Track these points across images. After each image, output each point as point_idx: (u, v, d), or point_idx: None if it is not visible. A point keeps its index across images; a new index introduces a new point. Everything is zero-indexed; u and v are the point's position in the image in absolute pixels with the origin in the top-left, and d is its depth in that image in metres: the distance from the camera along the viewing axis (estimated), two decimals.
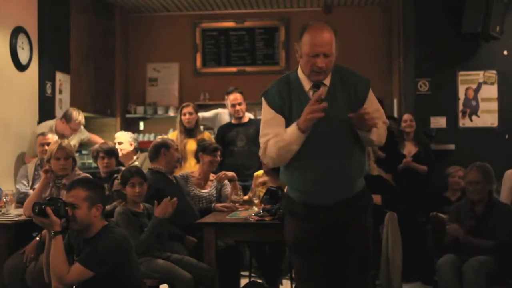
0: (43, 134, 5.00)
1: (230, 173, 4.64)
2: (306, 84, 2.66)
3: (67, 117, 5.38)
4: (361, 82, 2.70)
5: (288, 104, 2.65)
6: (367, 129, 2.54)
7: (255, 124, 5.61)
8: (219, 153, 4.68)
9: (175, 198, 3.72)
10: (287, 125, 2.63)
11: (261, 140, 2.68)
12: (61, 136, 5.10)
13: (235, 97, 5.47)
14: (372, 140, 2.62)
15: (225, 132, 5.54)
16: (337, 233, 2.68)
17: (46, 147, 4.43)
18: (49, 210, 2.75)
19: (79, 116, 5.39)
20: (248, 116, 5.71)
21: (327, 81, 2.66)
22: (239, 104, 5.46)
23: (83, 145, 6.01)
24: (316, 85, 2.62)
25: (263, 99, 2.73)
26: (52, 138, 4.87)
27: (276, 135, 2.61)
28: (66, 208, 2.80)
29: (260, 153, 2.72)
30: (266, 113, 2.71)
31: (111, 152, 4.52)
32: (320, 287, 2.67)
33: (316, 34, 2.55)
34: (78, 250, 2.95)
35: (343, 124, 2.58)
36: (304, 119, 2.50)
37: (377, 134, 2.62)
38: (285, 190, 2.91)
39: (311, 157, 2.59)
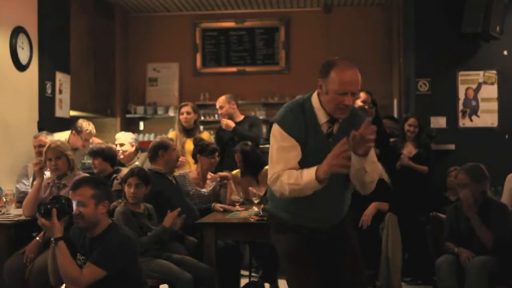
0: (40, 135, 4.99)
1: (224, 174, 4.66)
2: (321, 117, 2.60)
3: (77, 129, 5.17)
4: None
5: (304, 134, 2.58)
6: (363, 153, 2.47)
7: (249, 120, 5.65)
8: (217, 154, 4.69)
9: (183, 215, 3.75)
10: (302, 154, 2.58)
11: (274, 167, 2.57)
12: (74, 149, 4.90)
13: (218, 100, 5.60)
14: (365, 170, 2.53)
15: (222, 132, 5.56)
16: (327, 243, 2.71)
17: (41, 149, 4.39)
18: (54, 212, 2.75)
19: (89, 126, 5.20)
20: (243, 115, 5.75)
21: None
22: (220, 107, 5.55)
23: None
24: (332, 121, 2.59)
25: (278, 127, 2.59)
26: (50, 139, 4.85)
27: (291, 172, 2.52)
28: (69, 204, 2.81)
29: (269, 181, 2.60)
30: (284, 139, 2.57)
31: (97, 153, 4.48)
32: None
33: (346, 73, 2.50)
34: (83, 249, 2.96)
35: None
36: (328, 168, 2.42)
37: (370, 164, 2.55)
38: (268, 206, 2.83)
39: None
